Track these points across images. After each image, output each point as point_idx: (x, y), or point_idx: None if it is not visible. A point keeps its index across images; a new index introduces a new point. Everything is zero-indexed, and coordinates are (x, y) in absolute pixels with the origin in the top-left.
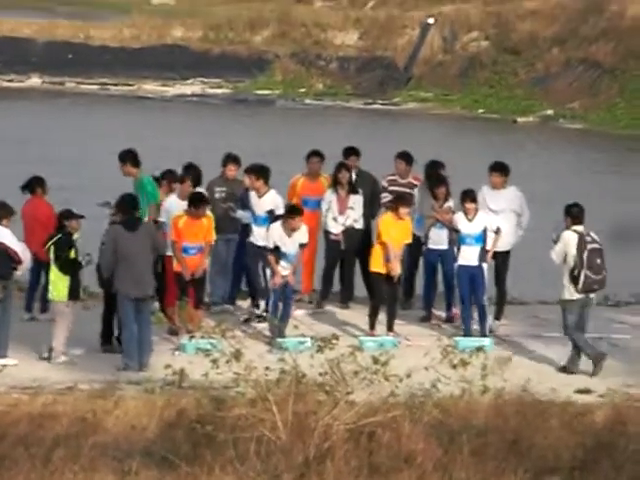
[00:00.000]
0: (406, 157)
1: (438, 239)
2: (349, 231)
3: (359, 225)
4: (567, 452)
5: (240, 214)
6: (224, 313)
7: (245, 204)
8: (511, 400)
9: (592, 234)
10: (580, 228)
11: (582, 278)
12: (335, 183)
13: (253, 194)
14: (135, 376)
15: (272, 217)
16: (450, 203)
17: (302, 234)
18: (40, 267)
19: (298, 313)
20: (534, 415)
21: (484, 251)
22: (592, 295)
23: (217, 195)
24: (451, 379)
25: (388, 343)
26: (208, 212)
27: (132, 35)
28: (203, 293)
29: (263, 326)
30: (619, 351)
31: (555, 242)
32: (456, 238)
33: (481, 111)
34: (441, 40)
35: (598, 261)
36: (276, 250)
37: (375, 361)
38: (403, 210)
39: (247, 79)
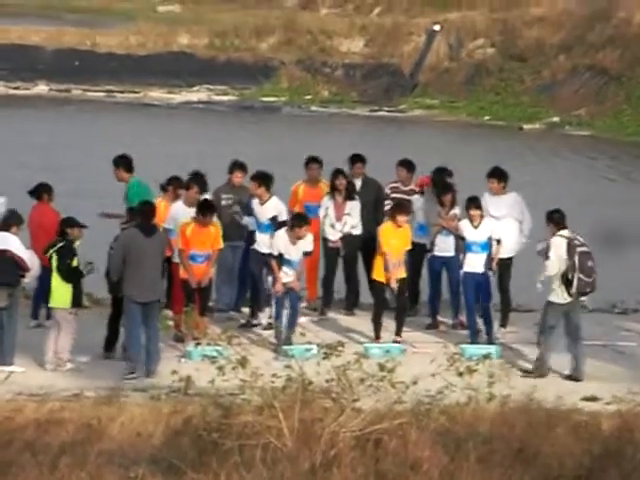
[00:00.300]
0: (407, 164)
1: (444, 246)
2: (347, 237)
3: (357, 231)
4: (573, 460)
5: (246, 221)
6: (230, 320)
7: (250, 211)
8: (517, 408)
9: (579, 237)
10: (566, 233)
11: (575, 282)
12: (332, 190)
13: (255, 201)
14: (141, 383)
15: (276, 224)
16: (456, 210)
17: (307, 243)
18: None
19: (302, 320)
20: (540, 423)
21: (490, 258)
22: (583, 298)
23: (224, 202)
24: (457, 386)
25: (394, 350)
26: (215, 219)
27: (138, 42)
28: (209, 300)
29: (269, 333)
30: (625, 358)
31: (540, 254)
32: (462, 245)
33: (487, 118)
34: (447, 47)
35: (589, 264)
36: (280, 257)
37: (381, 368)
38: (401, 218)
39: (253, 86)
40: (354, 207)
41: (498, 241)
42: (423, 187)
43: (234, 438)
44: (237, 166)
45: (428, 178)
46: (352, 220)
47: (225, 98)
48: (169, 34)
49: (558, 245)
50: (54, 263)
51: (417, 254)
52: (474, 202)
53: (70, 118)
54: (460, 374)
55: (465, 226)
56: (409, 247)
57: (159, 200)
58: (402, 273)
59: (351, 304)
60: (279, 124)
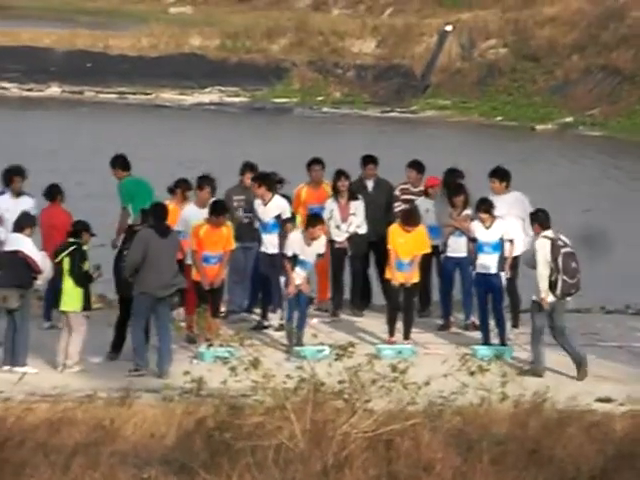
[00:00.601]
0: (417, 166)
1: (457, 247)
2: (354, 238)
3: (362, 230)
4: (587, 461)
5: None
6: (242, 322)
7: (254, 213)
8: (530, 408)
9: (562, 237)
10: (550, 233)
11: (560, 284)
12: (335, 191)
13: (258, 202)
14: (153, 384)
15: (281, 221)
16: (468, 211)
17: (321, 244)
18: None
19: (313, 322)
20: (554, 424)
21: (502, 259)
22: (568, 298)
23: (235, 203)
24: (470, 387)
25: (406, 351)
26: (227, 221)
27: (150, 44)
28: (221, 301)
29: (281, 334)
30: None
31: (528, 264)
32: (474, 246)
33: (499, 119)
34: (459, 47)
35: (573, 265)
36: (293, 258)
37: (393, 369)
38: (409, 228)
39: (265, 87)
40: (358, 207)
41: (511, 241)
42: (428, 188)
43: (246, 439)
44: (248, 167)
45: (435, 179)
46: (357, 220)
47: (237, 99)
48: (181, 36)
49: (542, 246)
50: (66, 266)
51: (428, 255)
52: (484, 203)
53: (82, 120)
54: (472, 373)
55: (477, 227)
56: (425, 250)
57: (167, 203)
58: (415, 277)
59: (358, 304)
60: (291, 125)
